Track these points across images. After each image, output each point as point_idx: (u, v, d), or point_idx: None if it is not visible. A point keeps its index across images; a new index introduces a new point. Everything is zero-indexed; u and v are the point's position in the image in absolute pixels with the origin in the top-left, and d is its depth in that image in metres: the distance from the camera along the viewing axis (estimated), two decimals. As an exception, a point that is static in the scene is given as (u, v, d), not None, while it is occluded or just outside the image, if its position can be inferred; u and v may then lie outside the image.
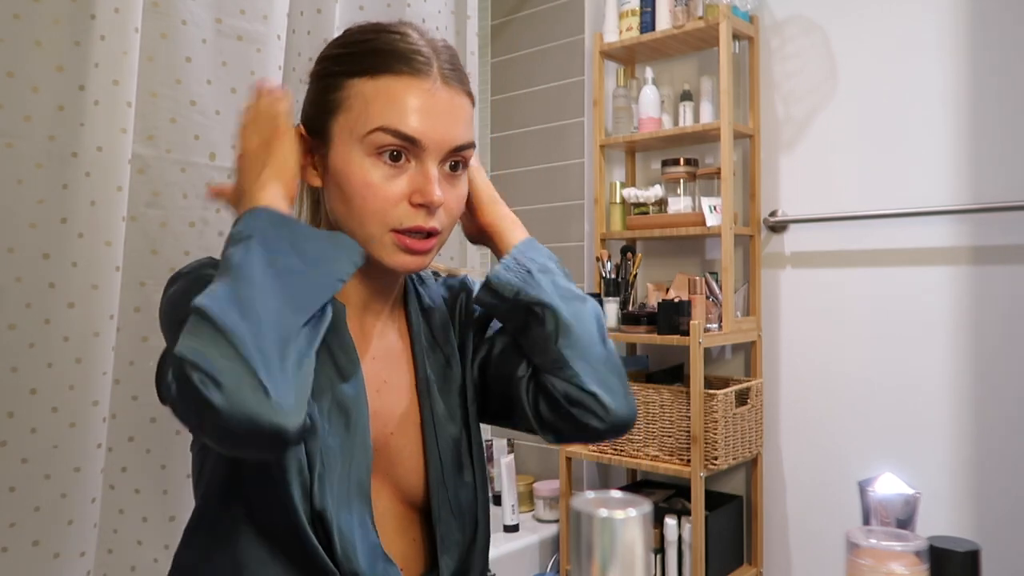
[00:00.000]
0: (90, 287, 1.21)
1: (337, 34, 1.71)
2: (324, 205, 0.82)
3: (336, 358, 0.79)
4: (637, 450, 1.94)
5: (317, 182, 0.81)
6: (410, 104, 0.74)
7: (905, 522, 0.78)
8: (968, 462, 1.76)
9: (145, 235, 1.34)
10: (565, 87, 2.37)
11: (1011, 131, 1.71)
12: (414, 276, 0.93)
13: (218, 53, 1.41)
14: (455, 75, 0.78)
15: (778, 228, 2.05)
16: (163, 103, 1.35)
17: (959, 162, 1.77)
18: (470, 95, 0.81)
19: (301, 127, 0.81)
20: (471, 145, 0.79)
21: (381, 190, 0.74)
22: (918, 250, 1.83)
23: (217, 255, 1.39)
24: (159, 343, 1.34)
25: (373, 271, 0.80)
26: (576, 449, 2.06)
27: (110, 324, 1.24)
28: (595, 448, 2.02)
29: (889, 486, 0.79)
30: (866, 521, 0.79)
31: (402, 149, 0.74)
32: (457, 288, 0.96)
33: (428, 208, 0.75)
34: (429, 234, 0.76)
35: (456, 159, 0.78)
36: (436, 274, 0.99)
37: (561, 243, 2.36)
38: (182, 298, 0.72)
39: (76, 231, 1.21)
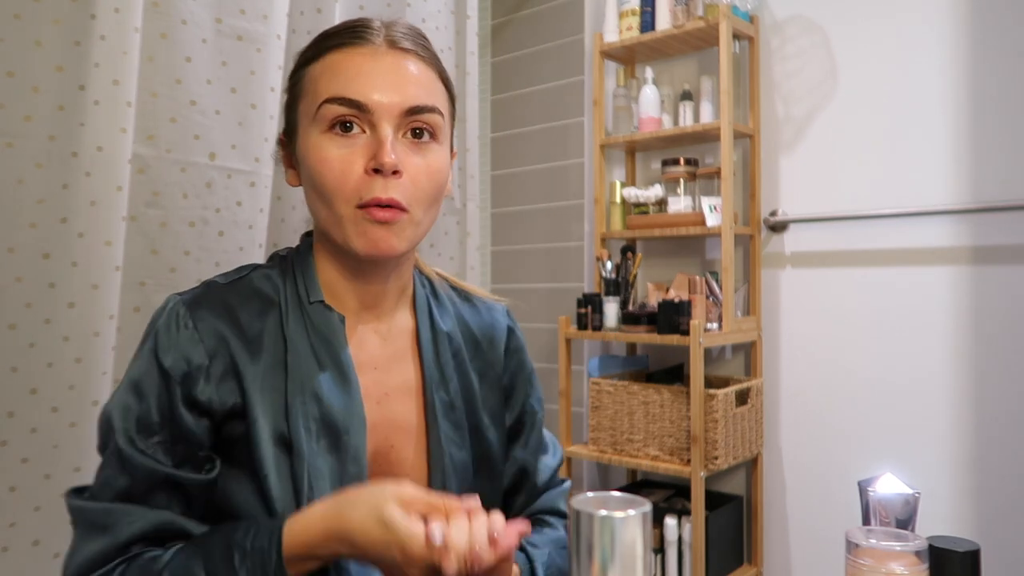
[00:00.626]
0: (90, 287, 1.21)
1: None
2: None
3: (325, 371, 0.75)
4: (637, 450, 1.94)
5: (296, 181, 0.80)
6: (352, 70, 0.72)
7: (905, 522, 0.77)
8: (968, 462, 1.76)
9: (145, 235, 1.34)
10: (565, 87, 2.37)
11: (1011, 131, 1.71)
12: (427, 288, 0.88)
13: (218, 53, 1.41)
14: (408, 39, 0.76)
15: (778, 228, 2.05)
16: (163, 103, 1.35)
17: (959, 162, 1.77)
18: (432, 63, 0.77)
19: (281, 134, 0.82)
20: (431, 109, 0.74)
21: (336, 163, 0.71)
22: (918, 250, 1.83)
23: (216, 255, 1.40)
24: (159, 343, 1.35)
25: (363, 267, 0.78)
26: (576, 449, 2.06)
27: (110, 324, 1.24)
28: (595, 448, 2.02)
29: (889, 486, 0.79)
30: (866, 521, 0.79)
31: (352, 118, 0.72)
32: (499, 328, 0.91)
33: (381, 173, 0.70)
34: (388, 206, 0.71)
35: (417, 125, 0.74)
36: (460, 292, 0.92)
37: (561, 243, 2.37)
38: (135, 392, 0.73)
39: (76, 231, 1.21)
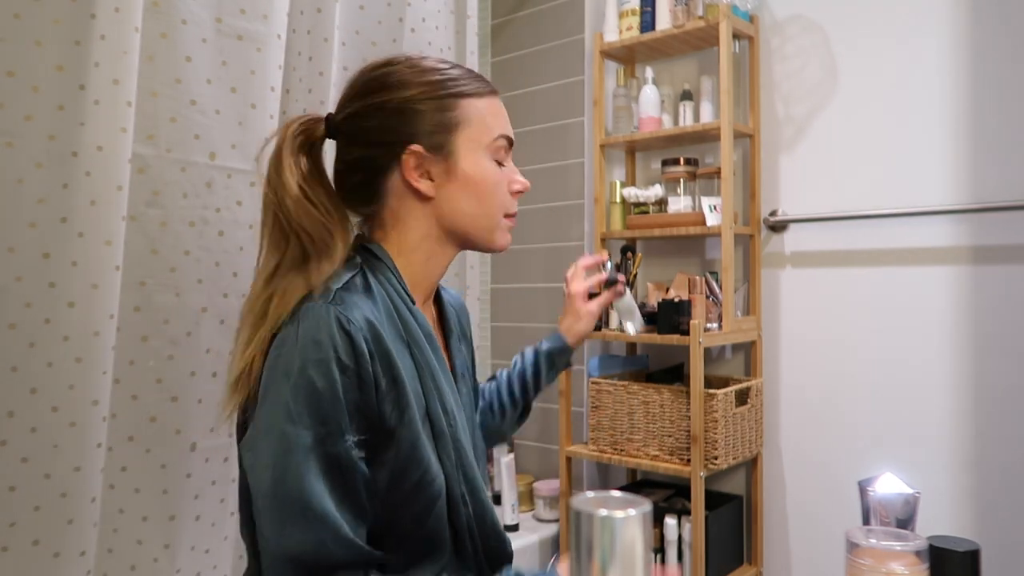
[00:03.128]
0: (90, 287, 1.22)
1: (337, 33, 1.71)
2: (430, 214, 0.92)
3: (435, 361, 0.89)
4: (637, 450, 1.94)
5: (431, 192, 0.90)
6: (504, 115, 0.95)
7: (905, 522, 0.78)
8: (968, 462, 1.76)
9: (145, 235, 1.34)
10: (565, 87, 2.37)
11: (1011, 131, 1.71)
12: None
13: (218, 53, 1.41)
14: None
15: (778, 228, 2.05)
16: (163, 102, 1.35)
17: (959, 162, 1.77)
18: None
19: (419, 148, 0.89)
20: None
21: (501, 184, 0.93)
22: (918, 250, 1.83)
23: (217, 254, 1.40)
24: (159, 343, 1.36)
25: (450, 263, 0.96)
26: (576, 449, 2.06)
27: (110, 324, 1.24)
28: (595, 448, 2.02)
29: (889, 486, 0.79)
30: (866, 521, 0.79)
31: (505, 153, 0.94)
32: (460, 301, 1.12)
33: (522, 193, 0.96)
34: None
35: None
36: None
37: (561, 243, 2.37)
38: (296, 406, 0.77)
39: (76, 231, 1.21)
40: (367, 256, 0.91)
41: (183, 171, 1.38)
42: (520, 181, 0.96)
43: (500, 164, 0.93)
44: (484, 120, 0.92)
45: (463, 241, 0.94)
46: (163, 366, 1.37)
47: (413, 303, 0.90)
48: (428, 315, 0.97)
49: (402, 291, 0.89)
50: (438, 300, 1.02)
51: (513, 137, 0.95)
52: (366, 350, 0.78)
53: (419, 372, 0.86)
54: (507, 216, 0.95)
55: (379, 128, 0.89)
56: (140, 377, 1.35)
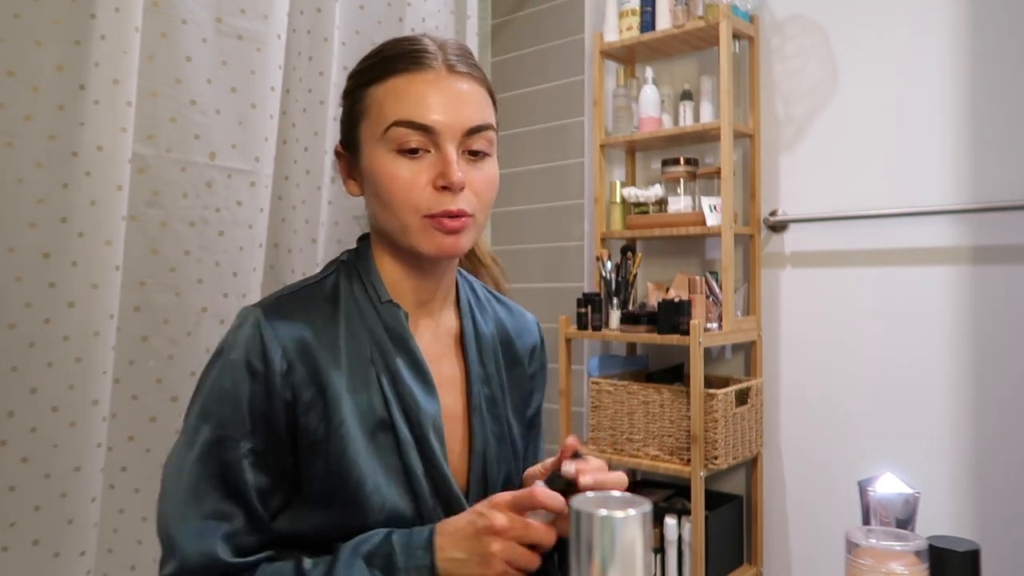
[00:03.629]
0: (90, 286, 1.21)
1: (336, 33, 1.72)
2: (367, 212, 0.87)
3: (405, 365, 0.82)
4: (637, 450, 1.94)
5: (357, 191, 0.86)
6: (417, 95, 0.78)
7: (905, 522, 0.78)
8: (968, 462, 1.76)
9: (145, 235, 1.34)
10: (565, 87, 2.37)
11: (1011, 131, 1.71)
12: (468, 288, 0.96)
13: (218, 52, 1.41)
14: (463, 63, 0.82)
15: (778, 228, 2.05)
16: (163, 102, 1.35)
17: (959, 162, 1.77)
18: (483, 82, 0.84)
19: (339, 146, 0.87)
20: (488, 127, 0.81)
21: (406, 180, 0.78)
22: (918, 250, 1.83)
23: (216, 254, 1.41)
24: (159, 343, 1.36)
25: (423, 265, 0.85)
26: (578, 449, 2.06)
27: (110, 323, 1.24)
28: (595, 448, 2.02)
29: (889, 486, 0.79)
30: (866, 521, 0.79)
31: (418, 140, 0.78)
32: (525, 326, 1.01)
33: (451, 190, 0.77)
34: (459, 216, 0.79)
35: (476, 143, 0.81)
36: (496, 296, 1.02)
37: (561, 243, 2.36)
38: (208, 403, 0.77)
39: (76, 230, 1.21)
40: (351, 254, 0.89)
41: (183, 171, 1.38)
42: (445, 176, 0.77)
43: (414, 153, 0.78)
44: (381, 108, 0.79)
45: (395, 244, 0.83)
46: (163, 366, 1.37)
47: (382, 301, 0.84)
48: (432, 322, 0.89)
49: (373, 289, 0.84)
50: (463, 312, 0.93)
51: (428, 121, 0.77)
52: (279, 360, 0.76)
53: (378, 378, 0.81)
54: (431, 216, 0.78)
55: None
56: (140, 377, 1.35)
